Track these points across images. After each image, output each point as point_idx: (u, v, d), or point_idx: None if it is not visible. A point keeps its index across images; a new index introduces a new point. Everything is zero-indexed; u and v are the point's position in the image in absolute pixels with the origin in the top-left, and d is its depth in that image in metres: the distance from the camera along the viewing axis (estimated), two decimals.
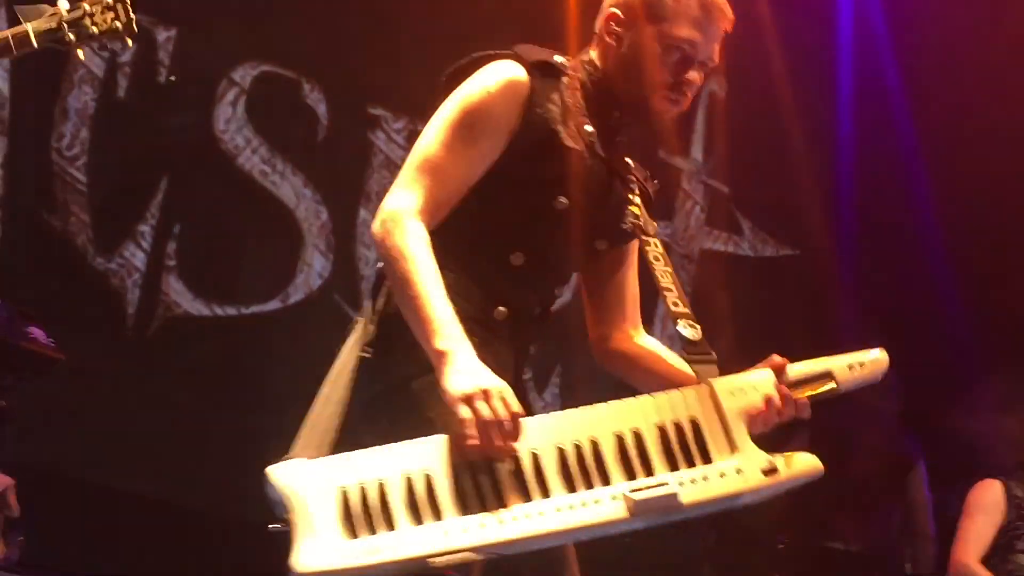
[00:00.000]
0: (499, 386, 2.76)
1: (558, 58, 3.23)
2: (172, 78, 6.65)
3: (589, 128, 3.17)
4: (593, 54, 3.29)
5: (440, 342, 2.82)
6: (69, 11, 3.89)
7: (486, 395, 2.72)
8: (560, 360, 7.39)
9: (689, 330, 3.12)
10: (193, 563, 6.32)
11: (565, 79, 3.19)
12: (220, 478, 6.59)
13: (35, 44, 3.86)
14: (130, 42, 3.96)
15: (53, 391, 6.02)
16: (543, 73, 3.15)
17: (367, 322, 3.09)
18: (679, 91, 3.21)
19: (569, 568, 3.12)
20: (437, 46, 6.96)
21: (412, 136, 7.04)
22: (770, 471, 2.89)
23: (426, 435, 2.77)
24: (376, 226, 2.98)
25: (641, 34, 3.19)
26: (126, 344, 6.50)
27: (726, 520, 6.94)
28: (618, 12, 3.25)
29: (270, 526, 2.70)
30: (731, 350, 8.63)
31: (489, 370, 2.80)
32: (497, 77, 3.09)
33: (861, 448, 7.01)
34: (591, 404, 2.97)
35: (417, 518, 2.65)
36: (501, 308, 3.10)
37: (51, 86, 6.41)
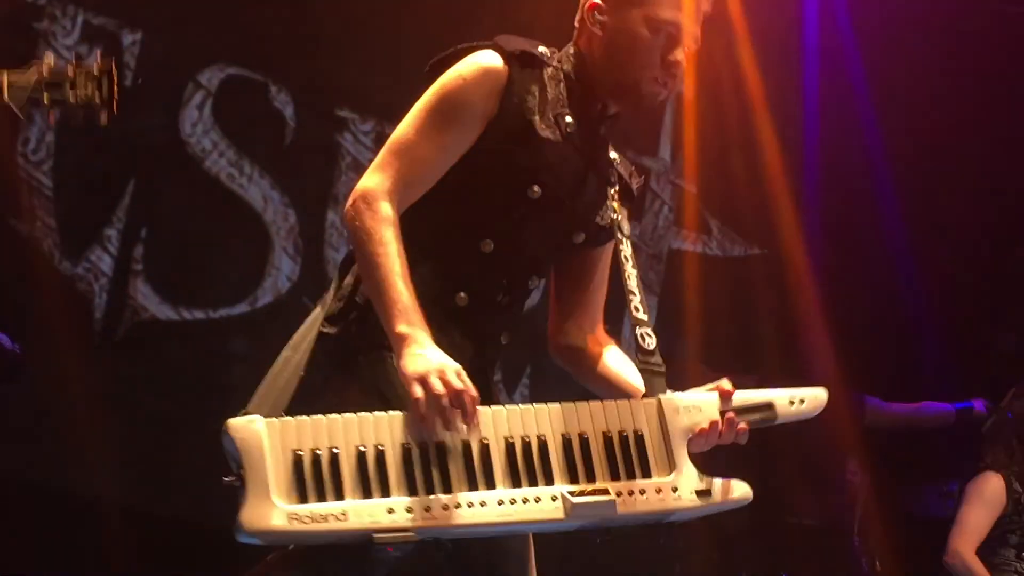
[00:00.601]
0: (454, 366, 2.82)
1: (542, 49, 3.24)
2: (138, 81, 6.62)
3: (569, 119, 3.19)
4: (576, 46, 3.30)
5: (401, 325, 2.86)
6: (52, 70, 3.73)
7: (440, 373, 2.77)
8: (530, 361, 7.39)
9: (646, 339, 3.19)
10: (159, 569, 6.30)
11: (549, 70, 3.21)
12: (188, 484, 6.56)
13: (4, 96, 3.67)
14: (104, 118, 3.79)
15: (19, 397, 5.99)
16: (523, 63, 3.17)
17: (333, 298, 3.12)
18: (668, 72, 3.24)
19: (526, 565, 3.15)
20: (405, 48, 6.94)
21: (380, 138, 7.04)
22: (703, 493, 3.00)
23: (367, 408, 2.83)
24: (347, 206, 3.06)
25: (626, 19, 3.22)
26: (93, 349, 6.47)
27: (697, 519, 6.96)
28: (599, 1, 3.26)
29: (224, 479, 2.72)
30: (700, 349, 8.69)
31: (445, 355, 2.85)
32: (474, 65, 3.12)
33: (809, 423, 7.05)
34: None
35: (366, 491, 2.71)
36: (462, 294, 3.12)
37: None
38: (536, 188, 3.14)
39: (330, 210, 7.08)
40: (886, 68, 8.46)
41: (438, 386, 2.75)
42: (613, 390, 3.24)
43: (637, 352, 3.19)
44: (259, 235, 6.90)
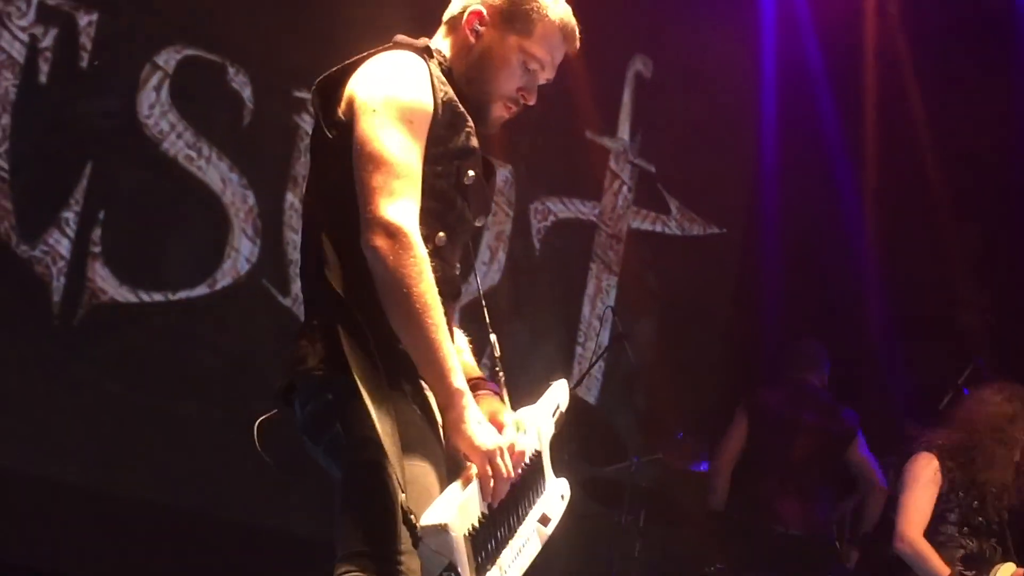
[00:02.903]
0: (510, 442, 3.03)
1: (431, 45, 3.30)
2: (95, 63, 6.58)
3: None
4: (445, 42, 3.35)
5: (457, 381, 2.97)
6: None
7: (502, 453, 2.98)
8: (481, 336, 7.41)
9: (498, 345, 3.42)
10: (121, 550, 6.29)
11: (435, 62, 3.24)
12: (147, 465, 6.55)
13: None
14: None
15: None
16: (428, 57, 3.21)
17: (311, 341, 3.06)
18: (516, 104, 3.35)
19: None
20: (362, 29, 6.92)
21: None
22: (565, 495, 3.29)
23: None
24: (378, 238, 2.95)
25: (503, 41, 3.30)
26: (52, 332, 6.44)
27: (656, 498, 7.00)
28: (483, 12, 3.32)
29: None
30: (661, 329, 8.69)
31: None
32: (408, 68, 3.13)
33: (801, 430, 7.07)
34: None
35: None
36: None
37: None
38: (471, 173, 3.18)
39: (289, 191, 7.07)
40: (845, 48, 8.51)
41: (502, 469, 2.97)
42: None
43: (499, 358, 3.39)
44: (218, 217, 6.89)
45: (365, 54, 3.20)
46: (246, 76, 6.98)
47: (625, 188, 8.37)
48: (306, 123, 7.10)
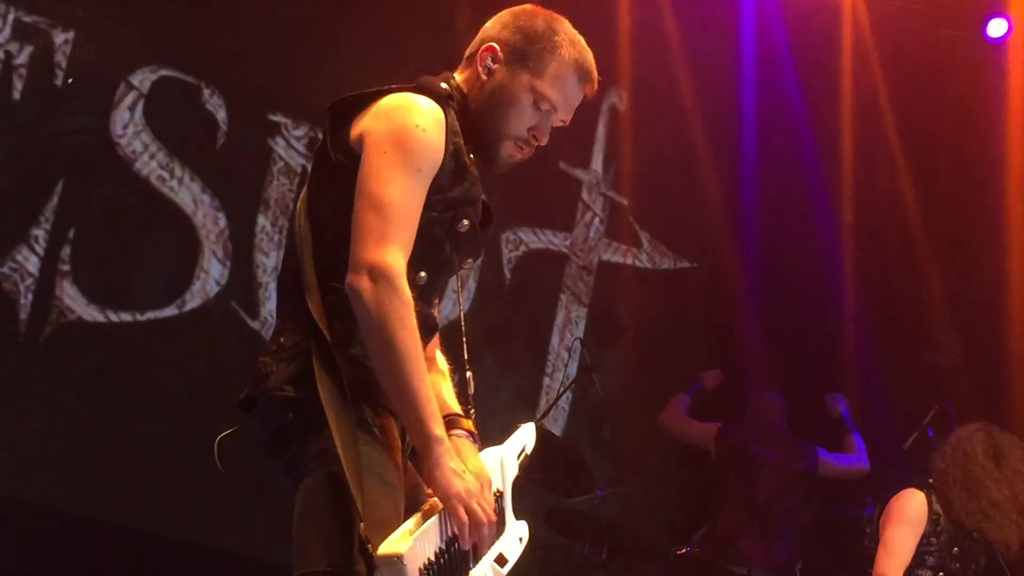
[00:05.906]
0: (482, 488, 3.03)
1: (444, 85, 3.26)
2: (69, 81, 6.57)
3: (471, 155, 3.21)
4: (460, 78, 3.32)
5: (437, 427, 2.96)
6: None
7: (479, 500, 2.98)
8: (458, 369, 7.40)
9: (472, 381, 3.37)
10: (82, 571, 6.25)
11: (453, 104, 3.22)
12: (111, 486, 6.52)
13: None
14: None
15: None
16: (446, 103, 3.18)
17: (276, 359, 3.06)
18: (528, 144, 3.31)
19: None
20: (338, 54, 6.94)
21: (312, 143, 7.03)
22: (524, 537, 3.28)
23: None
24: (363, 280, 2.95)
25: (515, 78, 3.26)
26: (18, 350, 6.42)
27: (620, 531, 6.99)
28: (497, 48, 3.29)
29: None
30: (629, 362, 8.68)
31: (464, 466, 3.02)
32: (427, 116, 3.10)
33: (765, 469, 7.08)
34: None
35: None
36: None
37: None
38: (465, 222, 3.16)
39: (261, 214, 7.06)
40: (823, 82, 8.52)
41: (478, 515, 2.96)
42: None
43: (471, 393, 3.37)
44: (189, 238, 6.87)
45: (386, 87, 3.17)
46: (221, 98, 6.97)
47: (597, 220, 8.38)
48: (280, 147, 7.10)
